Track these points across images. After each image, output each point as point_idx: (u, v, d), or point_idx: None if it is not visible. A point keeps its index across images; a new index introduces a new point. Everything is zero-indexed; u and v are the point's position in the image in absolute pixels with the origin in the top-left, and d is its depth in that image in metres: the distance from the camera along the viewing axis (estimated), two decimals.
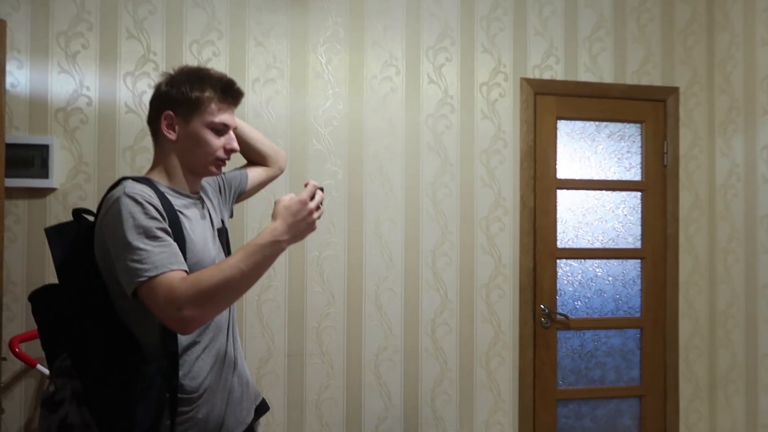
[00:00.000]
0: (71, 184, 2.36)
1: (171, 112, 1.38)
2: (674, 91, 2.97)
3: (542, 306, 2.80)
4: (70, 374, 1.30)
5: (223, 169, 1.53)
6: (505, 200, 2.78)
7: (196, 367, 1.34)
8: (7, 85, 2.30)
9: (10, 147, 2.23)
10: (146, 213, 1.25)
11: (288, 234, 1.23)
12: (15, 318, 2.32)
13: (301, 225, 1.23)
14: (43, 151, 2.30)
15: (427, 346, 2.68)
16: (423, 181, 2.69)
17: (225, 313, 1.44)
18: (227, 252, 1.53)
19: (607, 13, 2.91)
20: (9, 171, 2.22)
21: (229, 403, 1.41)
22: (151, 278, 1.19)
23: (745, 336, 2.77)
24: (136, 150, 2.42)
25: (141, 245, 1.22)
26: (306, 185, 1.27)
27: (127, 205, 1.25)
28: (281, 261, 2.54)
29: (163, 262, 1.21)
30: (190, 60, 2.48)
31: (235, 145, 1.43)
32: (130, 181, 1.33)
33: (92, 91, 2.40)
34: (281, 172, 1.83)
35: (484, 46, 2.77)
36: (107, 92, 2.41)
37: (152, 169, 1.43)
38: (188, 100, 1.37)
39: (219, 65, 2.51)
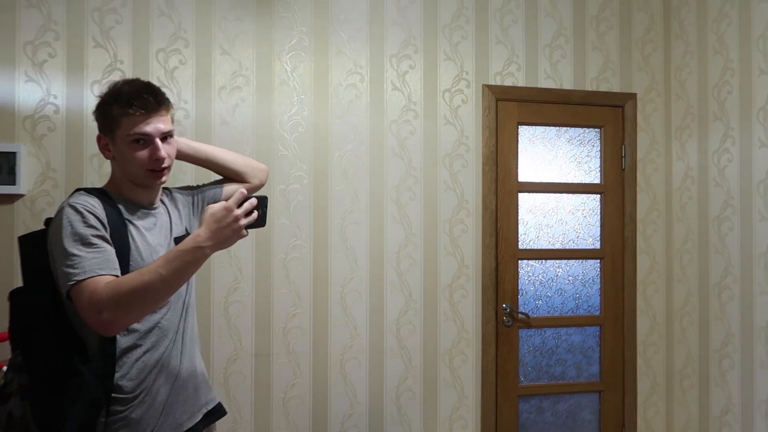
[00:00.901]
0: (39, 190, 2.41)
1: (101, 134, 1.47)
2: (632, 97, 3.07)
3: (504, 305, 2.89)
4: (20, 369, 1.38)
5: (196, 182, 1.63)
6: (467, 203, 2.86)
7: (135, 369, 1.41)
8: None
9: None
10: (84, 221, 1.33)
11: (211, 240, 1.27)
12: None
13: (226, 231, 1.28)
14: (10, 158, 2.34)
15: (392, 345, 2.77)
16: (387, 185, 2.77)
17: (174, 318, 1.49)
18: None
19: (567, 21, 3.00)
20: None
21: (167, 406, 1.47)
22: (79, 282, 1.28)
23: (699, 332, 2.88)
24: (103, 157, 2.46)
25: (75, 251, 1.30)
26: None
27: (68, 214, 1.34)
28: (248, 262, 2.61)
29: (92, 267, 1.29)
30: (157, 68, 2.54)
31: (160, 153, 1.42)
32: (80, 192, 1.42)
33: (59, 99, 2.44)
34: (261, 185, 1.84)
35: (447, 53, 2.85)
36: (74, 100, 2.46)
37: (109, 181, 1.52)
38: (107, 119, 1.44)
39: (185, 73, 2.56)
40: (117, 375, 1.38)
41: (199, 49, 2.59)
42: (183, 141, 1.67)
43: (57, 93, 2.44)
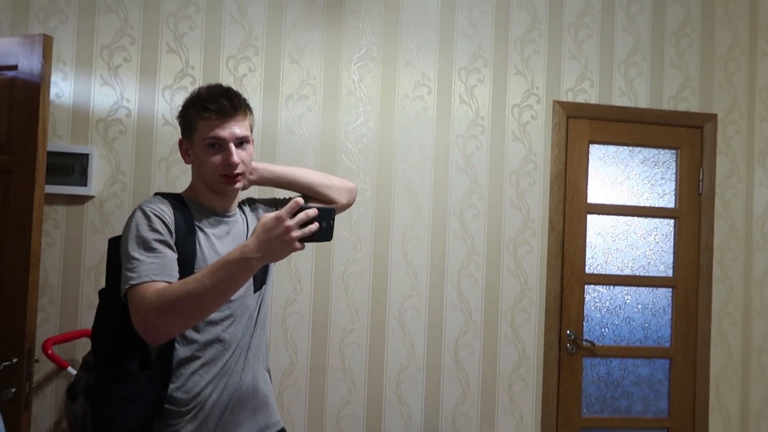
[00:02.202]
0: (108, 192, 2.44)
1: (182, 139, 1.47)
2: (712, 117, 2.91)
3: (568, 331, 2.76)
4: (89, 368, 1.36)
5: (288, 194, 1.65)
6: (533, 222, 2.75)
7: (191, 382, 1.37)
8: (52, 96, 2.39)
9: (52, 155, 2.30)
10: (150, 225, 1.32)
11: (259, 251, 1.18)
12: (50, 320, 2.39)
13: (275, 243, 1.17)
14: (83, 159, 2.38)
15: (449, 366, 2.67)
16: (451, 200, 2.69)
17: (237, 332, 1.44)
18: (263, 270, 1.52)
19: (645, 37, 2.87)
20: (50, 178, 2.28)
21: (221, 425, 1.40)
22: (133, 286, 1.25)
23: None
24: (171, 161, 2.48)
25: (136, 254, 1.29)
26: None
27: (137, 217, 1.34)
28: (307, 274, 2.57)
29: (148, 272, 1.26)
30: (227, 75, 2.55)
31: (233, 159, 1.38)
32: (156, 196, 1.42)
33: (132, 103, 2.47)
34: (349, 205, 1.77)
35: (518, 68, 2.77)
36: (146, 104, 2.48)
37: (188, 187, 1.52)
38: (187, 123, 1.43)
39: (254, 81, 2.56)
40: (173, 386, 1.35)
41: (269, 57, 2.58)
42: (263, 167, 1.63)
43: (130, 97, 2.47)
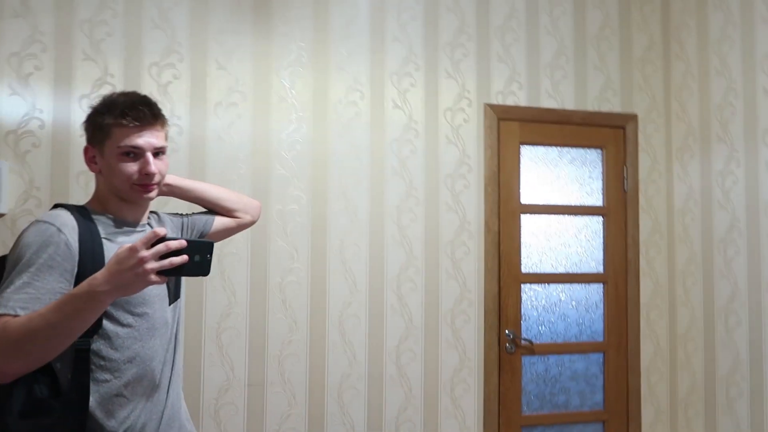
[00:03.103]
0: (21, 209, 2.27)
1: (89, 145, 1.38)
2: (633, 117, 3.03)
3: (507, 331, 2.80)
4: None
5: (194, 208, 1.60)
6: (470, 224, 2.77)
7: (116, 404, 1.29)
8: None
9: None
10: (41, 245, 1.22)
11: (108, 284, 1.09)
12: None
13: (127, 275, 1.08)
14: None
15: (391, 373, 2.65)
16: (388, 205, 2.68)
17: (159, 348, 1.37)
18: (176, 282, 1.48)
19: (568, 40, 2.96)
20: None
21: None
22: None
23: (704, 358, 2.81)
24: (91, 175, 2.32)
25: (13, 278, 1.19)
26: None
27: (29, 234, 1.25)
28: (242, 286, 2.48)
29: (16, 304, 1.16)
30: (150, 83, 2.43)
31: (151, 168, 1.32)
32: (58, 208, 1.33)
33: (45, 113, 2.32)
34: (253, 221, 1.78)
35: (448, 71, 2.79)
36: (61, 115, 2.33)
37: (92, 197, 1.42)
38: (98, 129, 1.35)
39: (180, 88, 2.46)
40: (96, 412, 1.25)
41: (194, 63, 2.49)
42: (172, 179, 1.59)
43: (43, 107, 2.32)
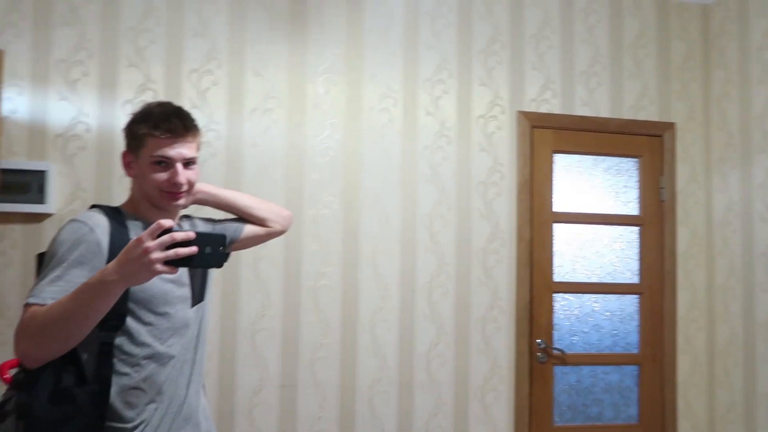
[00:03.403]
0: (68, 209, 2.36)
1: (127, 151, 1.45)
2: (670, 126, 2.98)
3: (539, 340, 2.77)
4: (21, 387, 1.29)
5: (222, 214, 1.68)
6: (502, 232, 2.77)
7: (133, 396, 1.34)
8: (6, 112, 2.32)
9: (8, 172, 2.24)
10: (75, 243, 1.29)
11: (117, 274, 1.13)
12: (7, 343, 2.28)
13: (133, 265, 1.12)
14: (40, 176, 2.30)
15: (421, 378, 2.64)
16: (419, 212, 2.69)
17: (178, 347, 1.42)
18: (201, 285, 1.52)
19: (603, 48, 2.94)
20: (6, 196, 2.22)
21: None
22: (29, 304, 1.23)
23: (743, 375, 2.73)
24: None
25: (47, 272, 1.27)
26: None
27: (65, 231, 1.32)
28: (276, 289, 2.52)
29: (47, 296, 1.22)
30: (189, 89, 2.50)
31: (179, 178, 1.38)
32: (93, 209, 1.41)
33: (91, 117, 2.41)
34: (282, 231, 1.78)
35: (481, 79, 2.80)
36: (106, 119, 2.42)
37: (127, 200, 1.48)
38: (134, 137, 1.42)
39: (217, 94, 2.53)
40: (116, 402, 1.32)
41: (232, 70, 2.55)
42: (205, 188, 1.63)
43: (89, 112, 2.41)
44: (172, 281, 1.40)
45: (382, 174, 2.67)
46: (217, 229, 1.67)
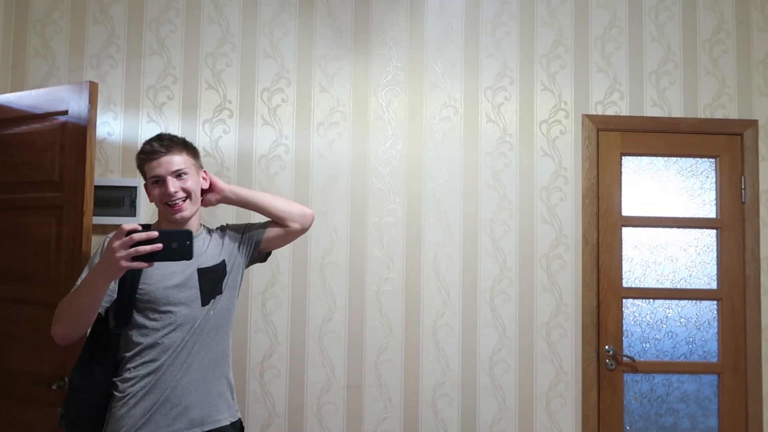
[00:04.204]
0: (155, 221, 2.60)
1: (145, 183, 1.71)
2: (752, 123, 2.82)
3: (607, 347, 2.72)
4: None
5: (247, 219, 1.92)
6: (566, 237, 2.75)
7: (130, 374, 1.61)
8: (104, 135, 2.61)
9: (103, 188, 2.52)
10: (101, 253, 1.62)
11: (98, 269, 1.42)
12: None
13: (106, 263, 1.39)
14: (132, 192, 2.57)
15: (485, 383, 2.68)
16: (481, 218, 2.73)
17: (177, 338, 1.63)
18: (212, 287, 1.72)
19: (675, 46, 2.84)
20: (101, 210, 2.50)
21: (150, 415, 1.59)
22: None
23: None
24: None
25: (83, 273, 1.62)
26: None
27: (100, 245, 1.67)
28: (342, 293, 2.66)
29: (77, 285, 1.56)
30: (261, 107, 2.69)
31: (169, 189, 1.63)
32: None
33: None
34: (303, 230, 1.91)
35: (544, 84, 2.79)
36: (188, 138, 2.64)
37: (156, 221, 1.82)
38: (141, 172, 1.72)
39: (287, 110, 2.70)
40: (117, 378, 1.61)
41: (300, 87, 2.72)
42: (229, 188, 1.85)
43: (174, 132, 2.64)
44: (177, 286, 1.64)
45: (443, 181, 2.73)
46: (246, 231, 1.87)
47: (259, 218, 1.91)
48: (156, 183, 1.66)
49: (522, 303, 2.71)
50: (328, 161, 2.71)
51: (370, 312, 2.67)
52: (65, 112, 2.05)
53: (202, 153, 2.64)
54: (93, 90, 2.02)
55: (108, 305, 1.62)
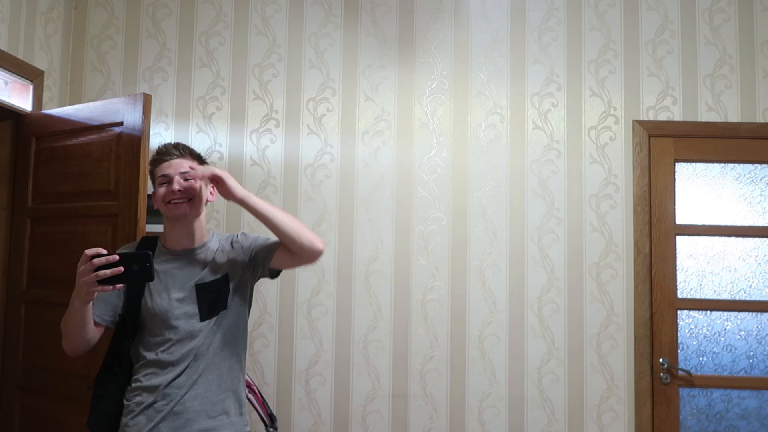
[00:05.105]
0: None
1: (153, 192, 1.72)
2: None
3: (661, 360, 2.62)
4: None
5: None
6: (617, 246, 2.67)
7: (135, 386, 1.64)
8: (157, 145, 2.67)
9: None
10: None
11: (75, 290, 1.46)
12: None
13: (77, 288, 1.45)
14: None
15: (533, 395, 2.62)
16: (528, 226, 2.68)
17: (177, 354, 1.62)
18: (212, 302, 1.67)
19: (732, 49, 2.74)
20: (154, 218, 2.56)
21: (154, 427, 1.60)
22: None
23: None
24: (268, 198, 2.68)
25: None
26: None
27: None
28: (387, 302, 2.65)
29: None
30: (307, 116, 2.72)
31: (174, 186, 1.64)
32: (141, 240, 1.79)
33: (223, 147, 2.71)
34: (308, 260, 1.69)
35: (593, 89, 2.73)
36: (236, 148, 2.71)
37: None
38: (151, 178, 1.74)
39: (332, 119, 2.72)
40: (129, 389, 1.65)
41: (345, 96, 2.74)
42: (243, 193, 1.64)
43: (222, 141, 2.71)
44: (178, 300, 1.64)
45: (489, 189, 2.70)
46: (238, 239, 1.77)
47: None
48: (163, 184, 1.67)
49: (571, 313, 2.65)
50: (373, 170, 2.71)
51: (415, 321, 2.65)
52: (120, 123, 2.12)
53: (249, 162, 2.70)
54: (146, 102, 2.08)
55: (113, 318, 1.66)
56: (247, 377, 2.41)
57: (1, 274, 2.50)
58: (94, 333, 1.59)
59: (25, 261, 2.45)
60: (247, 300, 1.77)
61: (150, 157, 1.77)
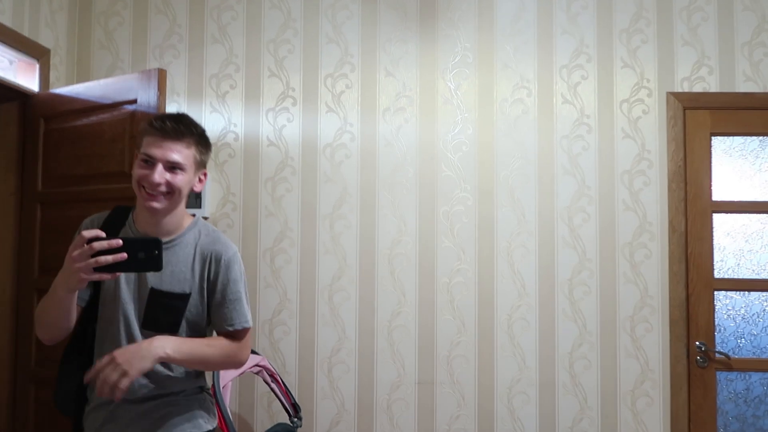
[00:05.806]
0: (220, 213, 2.57)
1: (136, 152, 1.44)
2: None
3: (697, 342, 2.52)
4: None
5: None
6: (651, 225, 2.55)
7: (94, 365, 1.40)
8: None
9: None
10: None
11: (58, 279, 1.26)
12: None
13: (65, 273, 1.23)
14: None
15: (564, 380, 2.53)
16: (558, 205, 2.57)
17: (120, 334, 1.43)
18: (161, 316, 1.45)
19: None
20: None
21: (110, 415, 1.44)
22: None
23: None
24: (277, 180, 2.58)
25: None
26: None
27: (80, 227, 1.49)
28: (411, 286, 2.55)
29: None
30: (325, 93, 2.60)
31: (153, 177, 1.36)
32: (112, 210, 1.51)
33: (238, 127, 2.60)
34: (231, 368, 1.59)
35: (624, 60, 2.60)
36: (251, 128, 2.60)
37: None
38: (139, 135, 1.45)
39: (351, 97, 2.60)
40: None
41: (364, 72, 2.61)
42: (165, 351, 1.38)
43: (236, 121, 2.60)
44: (124, 285, 1.43)
45: (517, 167, 2.58)
46: (219, 270, 1.50)
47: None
48: (146, 162, 1.38)
49: (603, 295, 2.54)
50: (395, 148, 2.59)
51: (441, 305, 2.55)
52: (134, 101, 2.01)
53: (266, 143, 2.59)
54: (162, 77, 1.97)
55: (88, 297, 1.46)
56: (269, 366, 2.32)
57: (11, 262, 2.41)
58: (74, 317, 1.38)
59: (35, 248, 2.36)
60: (203, 329, 1.53)
61: (151, 118, 1.46)
